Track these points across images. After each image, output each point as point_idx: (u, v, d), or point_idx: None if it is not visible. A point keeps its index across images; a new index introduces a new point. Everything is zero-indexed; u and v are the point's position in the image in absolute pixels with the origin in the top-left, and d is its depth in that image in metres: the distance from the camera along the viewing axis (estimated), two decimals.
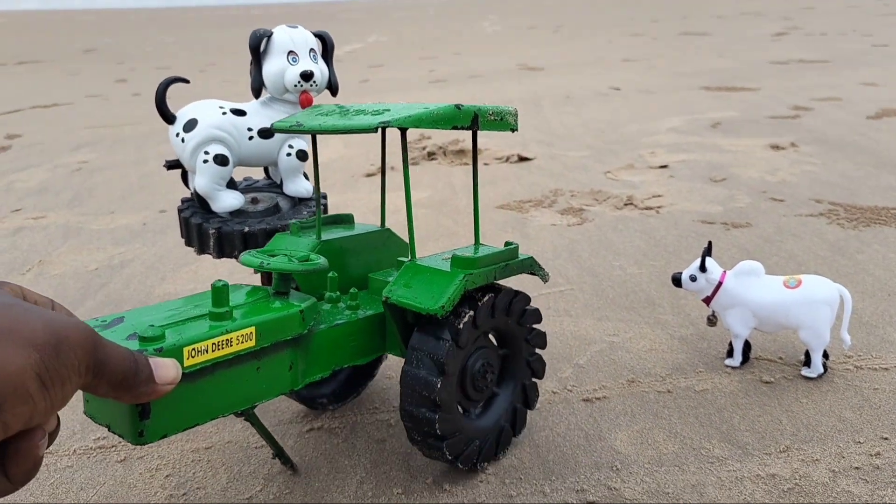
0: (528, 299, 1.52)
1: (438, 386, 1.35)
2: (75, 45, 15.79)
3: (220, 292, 1.21)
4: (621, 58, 9.62)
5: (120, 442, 1.68)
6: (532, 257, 1.51)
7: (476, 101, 6.45)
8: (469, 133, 4.89)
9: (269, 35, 1.86)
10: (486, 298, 1.41)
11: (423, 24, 18.29)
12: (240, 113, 1.87)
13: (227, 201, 1.88)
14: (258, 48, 1.85)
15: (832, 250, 2.66)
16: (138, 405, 1.08)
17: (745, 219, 3.06)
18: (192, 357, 1.12)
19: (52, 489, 1.53)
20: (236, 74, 8.89)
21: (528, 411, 1.68)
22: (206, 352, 1.14)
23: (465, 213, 3.28)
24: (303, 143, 1.96)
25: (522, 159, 4.20)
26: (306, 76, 1.84)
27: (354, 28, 18.56)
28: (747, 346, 1.91)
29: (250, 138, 1.87)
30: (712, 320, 1.94)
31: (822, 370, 1.82)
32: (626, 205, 3.30)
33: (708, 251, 1.89)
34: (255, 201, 2.00)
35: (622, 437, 1.63)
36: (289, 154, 1.93)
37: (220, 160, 1.84)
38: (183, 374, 1.10)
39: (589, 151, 4.38)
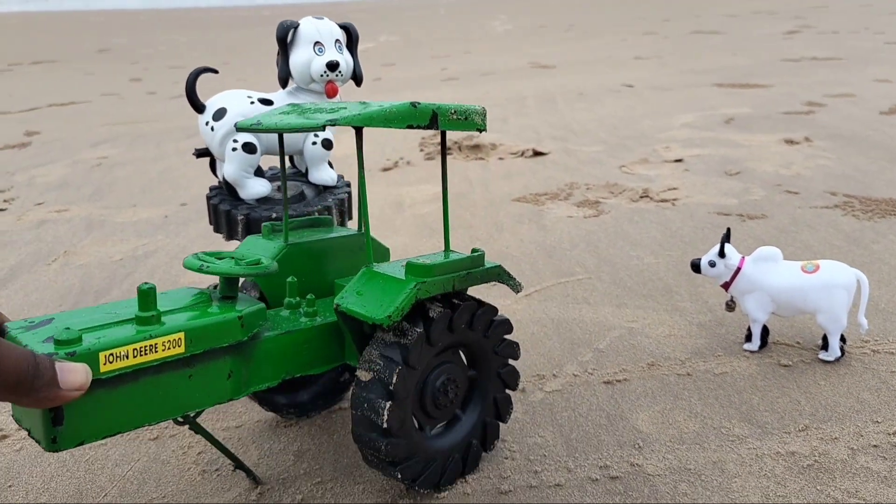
0: (493, 311, 1.43)
1: (386, 411, 1.26)
2: (89, 46, 15.90)
3: (146, 296, 1.15)
4: (633, 56, 9.63)
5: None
6: (500, 266, 1.42)
7: (489, 97, 6.48)
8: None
9: (296, 26, 1.90)
10: (441, 313, 1.32)
11: (433, 24, 18.33)
12: (267, 102, 1.92)
13: (255, 188, 1.92)
14: (285, 39, 1.89)
15: (847, 241, 2.68)
16: (51, 410, 1.04)
17: (761, 210, 3.08)
18: (110, 363, 1.07)
19: (87, 465, 1.57)
20: (248, 73, 8.96)
21: (502, 424, 1.60)
22: (127, 357, 1.09)
23: (481, 206, 3.32)
24: (329, 132, 2.00)
25: (537, 154, 4.23)
26: (332, 66, 1.88)
27: (365, 27, 18.63)
28: (765, 331, 1.93)
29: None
30: (731, 305, 1.97)
31: (839, 354, 1.85)
32: (641, 197, 3.33)
33: (727, 237, 1.92)
34: (280, 190, 2.04)
35: (643, 417, 1.66)
36: (314, 143, 1.98)
37: (249, 148, 1.88)
38: (100, 379, 1.06)
39: (603, 146, 4.41)
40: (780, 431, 1.58)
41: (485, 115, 1.41)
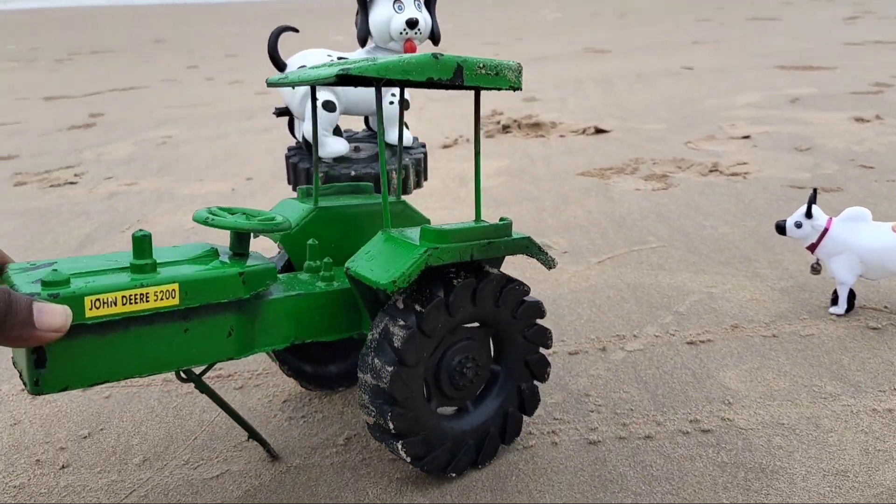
0: (525, 290, 1.32)
1: (390, 375, 1.18)
2: (144, 36, 16.23)
3: (140, 243, 1.12)
4: (690, 41, 9.46)
5: (236, 371, 1.75)
6: (528, 238, 1.29)
7: (544, 80, 6.43)
8: (528, 104, 4.89)
9: None
10: (465, 282, 1.23)
11: (482, 13, 18.27)
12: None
13: (334, 147, 1.93)
14: None
15: None
16: (34, 352, 1.02)
17: (836, 184, 3.00)
18: (96, 308, 1.04)
19: (175, 411, 1.60)
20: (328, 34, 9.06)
21: (525, 418, 1.45)
22: (115, 304, 1.06)
23: (545, 180, 3.29)
24: (407, 93, 2.00)
25: (599, 131, 4.19)
26: (412, 23, 1.88)
27: None
28: (852, 295, 1.88)
29: (355, 86, 1.92)
30: (816, 268, 1.92)
31: None
32: (711, 171, 3.27)
33: (813, 198, 1.87)
34: (357, 149, 2.05)
35: (731, 375, 1.63)
36: (392, 102, 1.98)
37: (328, 106, 1.89)
38: (86, 325, 1.04)
39: (666, 124, 4.34)
40: (875, 390, 1.54)
41: (520, 72, 1.26)
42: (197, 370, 1.27)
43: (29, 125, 5.41)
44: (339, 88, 1.91)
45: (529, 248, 1.29)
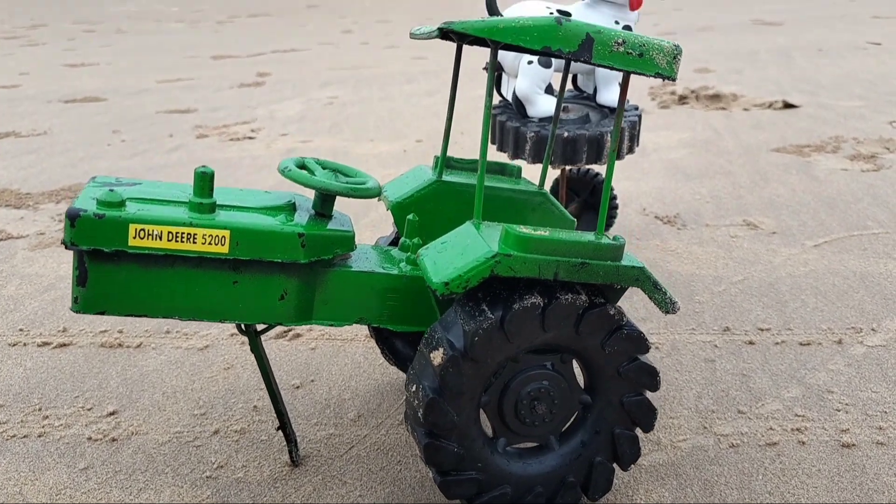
0: (616, 316, 1.07)
1: (425, 405, 1.02)
2: (298, 2, 16.70)
3: (201, 179, 1.06)
4: (870, 14, 8.70)
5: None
6: (642, 268, 1.04)
7: (714, 50, 6.06)
8: (698, 76, 4.59)
9: None
10: (527, 303, 1.03)
11: None
12: (566, 14, 1.81)
13: (545, 106, 1.83)
14: None
15: None
16: (77, 268, 1.04)
17: None
18: (140, 238, 1.02)
19: (382, 369, 1.57)
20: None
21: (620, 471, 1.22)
22: (160, 238, 1.02)
23: (736, 154, 3.06)
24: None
25: (788, 106, 3.88)
26: None
27: None
28: None
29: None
30: None
31: None
32: None
33: None
34: (566, 110, 1.94)
35: None
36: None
37: (545, 62, 1.79)
38: (128, 253, 1.03)
39: (863, 102, 3.97)
40: None
41: (675, 57, 1.00)
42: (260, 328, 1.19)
43: (202, 81, 5.64)
44: None
45: (641, 281, 1.05)
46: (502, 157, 2.46)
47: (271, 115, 4.36)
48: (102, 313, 1.06)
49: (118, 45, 8.52)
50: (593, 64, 0.99)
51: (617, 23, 1.82)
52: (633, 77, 4.58)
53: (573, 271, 1.02)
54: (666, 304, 1.07)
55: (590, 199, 2.19)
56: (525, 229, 1.03)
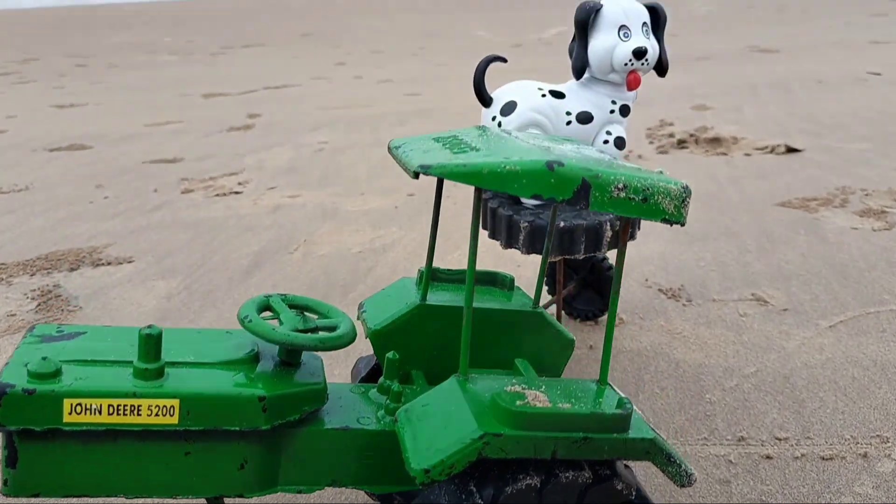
0: (622, 492, 0.94)
1: None
2: (293, 30, 16.68)
3: (146, 342, 0.94)
4: (868, 40, 8.64)
5: None
6: (653, 439, 0.91)
7: (713, 83, 5.97)
8: (708, 122, 4.47)
9: (599, 8, 1.66)
10: (523, 486, 0.90)
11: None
12: (558, 95, 1.70)
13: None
14: (586, 23, 1.66)
15: None
16: (6, 448, 0.92)
17: None
18: (76, 413, 0.90)
19: None
20: (446, 58, 8.93)
21: None
22: (99, 412, 0.91)
23: (740, 210, 2.95)
24: (621, 129, 1.76)
25: (790, 150, 3.77)
26: (639, 53, 1.63)
27: (546, 14, 18.26)
28: None
29: (568, 123, 1.70)
30: None
31: None
32: None
33: None
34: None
35: None
36: (606, 141, 1.74)
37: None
38: (63, 431, 0.91)
39: (869, 144, 3.86)
40: None
41: (683, 201, 0.89)
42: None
43: (192, 125, 5.54)
44: (550, 126, 1.69)
45: (652, 454, 0.92)
46: (494, 245, 2.33)
47: (259, 164, 4.25)
48: (36, 495, 0.94)
49: (109, 82, 8.45)
50: (593, 209, 0.87)
51: (614, 102, 1.70)
52: (631, 124, 4.49)
53: (574, 448, 0.89)
54: (681, 478, 0.94)
55: (588, 278, 2.07)
56: (519, 400, 0.90)
